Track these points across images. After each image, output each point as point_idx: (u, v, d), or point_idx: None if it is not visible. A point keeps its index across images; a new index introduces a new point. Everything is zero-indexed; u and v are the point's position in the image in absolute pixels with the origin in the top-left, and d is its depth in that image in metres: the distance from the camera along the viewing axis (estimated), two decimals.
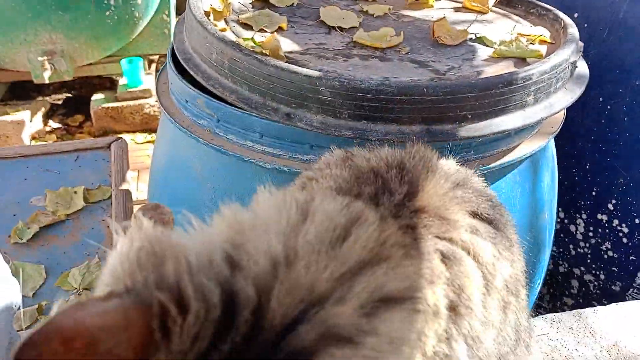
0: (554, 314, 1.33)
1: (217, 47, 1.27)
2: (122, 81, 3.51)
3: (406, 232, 0.71)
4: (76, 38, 3.24)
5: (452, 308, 0.79)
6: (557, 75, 1.28)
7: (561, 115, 1.40)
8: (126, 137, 3.43)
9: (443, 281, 0.75)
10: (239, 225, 0.57)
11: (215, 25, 1.36)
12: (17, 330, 1.09)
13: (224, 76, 1.28)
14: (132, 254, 0.48)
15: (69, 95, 3.76)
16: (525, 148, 1.31)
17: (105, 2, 3.14)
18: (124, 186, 1.86)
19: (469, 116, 1.21)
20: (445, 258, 0.76)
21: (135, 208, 2.00)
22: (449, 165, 0.92)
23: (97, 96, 3.51)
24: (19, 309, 1.00)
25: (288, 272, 0.50)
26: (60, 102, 3.74)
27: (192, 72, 1.34)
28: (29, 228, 1.76)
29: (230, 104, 1.26)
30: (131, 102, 3.45)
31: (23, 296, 1.59)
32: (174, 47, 1.44)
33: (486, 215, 0.89)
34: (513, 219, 0.97)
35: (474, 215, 0.88)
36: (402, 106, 1.17)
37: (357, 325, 0.50)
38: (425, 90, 1.17)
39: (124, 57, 3.44)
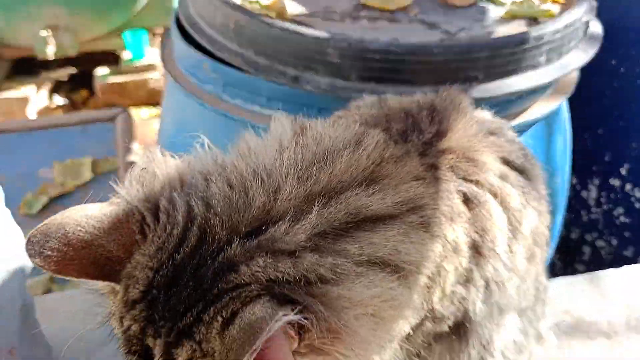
0: (567, 277, 1.32)
1: (222, 10, 1.25)
2: (126, 55, 3.48)
3: (429, 170, 0.71)
4: (79, 12, 3.19)
5: (475, 248, 0.78)
6: (570, 34, 1.25)
7: (574, 77, 1.37)
8: (131, 111, 3.42)
9: (464, 220, 0.74)
10: (246, 150, 0.62)
11: None
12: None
13: (230, 40, 1.26)
14: (135, 173, 0.59)
15: (74, 71, 3.73)
16: (538, 110, 1.28)
17: None
18: (131, 157, 1.85)
19: (480, 77, 1.18)
20: (468, 200, 0.76)
21: None
22: (483, 113, 0.91)
23: (101, 71, 3.48)
24: (30, 272, 1.00)
25: (245, 195, 0.54)
26: (65, 79, 3.72)
27: (197, 37, 1.32)
28: (38, 200, 1.77)
29: (237, 68, 1.24)
30: (136, 77, 3.42)
31: (35, 265, 1.61)
32: (179, 12, 1.41)
33: (518, 164, 0.89)
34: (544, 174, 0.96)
35: (505, 162, 0.87)
36: (411, 67, 1.15)
37: (306, 243, 0.53)
38: (435, 50, 1.15)
39: (127, 30, 3.41)
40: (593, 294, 1.31)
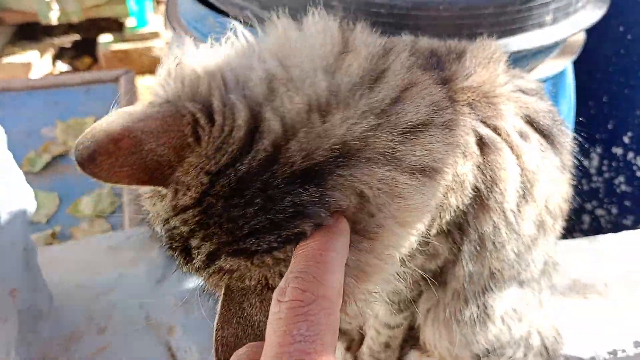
0: (564, 241, 1.33)
1: None
2: (130, 23, 3.46)
3: (447, 98, 0.67)
4: None
5: (479, 197, 0.76)
6: None
7: (581, 39, 1.36)
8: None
9: (475, 162, 0.72)
10: (286, 43, 0.57)
11: None
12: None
13: None
14: (170, 68, 0.54)
15: (77, 37, 3.71)
16: (544, 71, 1.27)
17: None
18: None
19: (485, 34, 1.17)
20: (482, 143, 0.73)
21: None
22: (520, 73, 0.88)
23: (104, 38, 3.46)
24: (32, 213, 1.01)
25: (321, 119, 0.51)
26: (68, 45, 3.70)
27: None
28: (41, 157, 1.77)
29: (242, 22, 1.23)
30: (139, 44, 3.41)
31: (37, 222, 1.62)
32: None
33: (543, 126, 0.85)
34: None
35: (529, 121, 0.84)
36: (416, 22, 1.14)
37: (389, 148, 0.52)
38: (440, 6, 1.14)
39: None
40: (590, 257, 1.31)
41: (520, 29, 1.19)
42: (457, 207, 0.74)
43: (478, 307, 0.91)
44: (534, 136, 0.86)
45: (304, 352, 0.38)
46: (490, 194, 0.78)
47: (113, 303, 1.16)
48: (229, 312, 0.50)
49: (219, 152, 0.48)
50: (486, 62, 0.79)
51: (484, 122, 0.74)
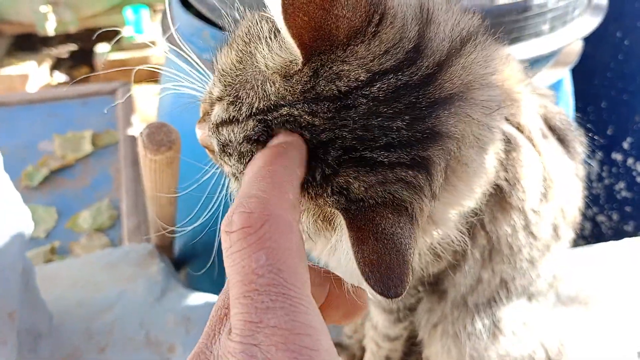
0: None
1: None
2: (127, 32, 3.46)
3: None
4: None
5: (499, 195, 0.75)
6: (574, 3, 1.23)
7: (578, 47, 1.35)
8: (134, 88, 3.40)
9: (497, 158, 0.71)
10: None
11: None
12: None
13: (230, 7, 1.24)
14: None
15: (74, 47, 3.71)
16: (542, 79, 1.27)
17: None
18: (131, 131, 1.85)
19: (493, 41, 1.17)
20: (505, 139, 0.71)
21: None
22: (535, 79, 0.88)
23: (101, 48, 3.46)
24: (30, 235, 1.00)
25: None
26: (65, 55, 3.70)
27: (196, 4, 1.30)
28: (39, 172, 1.77)
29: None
30: (137, 53, 3.40)
31: (36, 237, 1.61)
32: None
33: (559, 130, 0.85)
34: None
35: (547, 122, 0.84)
36: None
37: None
38: None
39: (128, 7, 3.38)
40: (592, 266, 1.31)
41: (518, 39, 1.19)
42: (478, 201, 0.72)
43: (488, 320, 0.90)
44: (552, 138, 0.86)
45: (272, 285, 0.33)
46: (512, 191, 0.77)
47: (112, 321, 1.15)
48: (360, 232, 0.44)
49: (386, 55, 0.44)
50: (504, 60, 0.79)
51: (507, 119, 0.73)
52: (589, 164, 1.72)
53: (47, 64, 3.53)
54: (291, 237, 0.36)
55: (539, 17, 1.18)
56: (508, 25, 1.17)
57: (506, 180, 0.76)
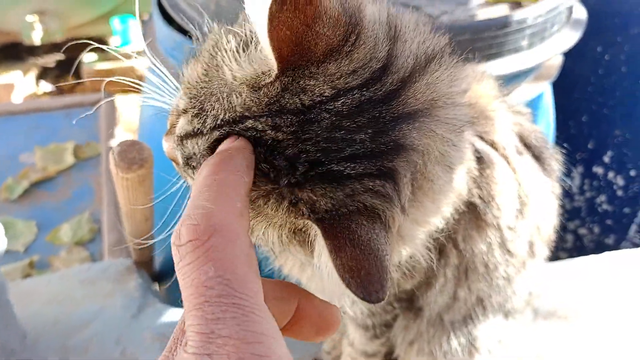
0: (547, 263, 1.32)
1: None
2: (115, 41, 3.44)
3: None
4: None
5: (475, 213, 0.75)
6: (553, 19, 1.24)
7: (558, 62, 1.36)
8: (119, 98, 3.39)
9: (471, 176, 0.71)
10: None
11: None
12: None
13: (211, 20, 1.24)
14: None
15: (61, 57, 3.69)
16: (521, 95, 1.28)
17: None
18: (114, 142, 1.83)
19: (461, 60, 1.17)
20: (479, 157, 0.72)
21: None
22: (510, 97, 0.88)
23: (88, 57, 3.44)
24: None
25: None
26: (51, 65, 3.68)
27: (177, 18, 1.30)
28: (19, 184, 1.75)
29: None
30: (123, 63, 3.39)
31: (15, 251, 1.59)
32: None
33: (534, 148, 0.86)
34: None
35: (522, 139, 0.84)
36: None
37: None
38: None
39: (115, 16, 3.37)
40: (573, 280, 1.31)
41: (497, 54, 1.20)
42: (448, 220, 0.73)
43: (464, 338, 0.89)
44: (527, 155, 0.86)
45: (222, 296, 0.34)
46: (487, 209, 0.77)
47: (89, 338, 1.13)
48: (336, 240, 0.44)
49: (354, 74, 0.45)
50: (479, 78, 0.79)
51: (480, 137, 0.74)
52: (570, 177, 1.73)
53: (33, 74, 3.50)
54: (239, 247, 0.36)
55: (518, 33, 1.19)
56: (488, 41, 1.17)
57: (480, 198, 0.76)
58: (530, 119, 0.89)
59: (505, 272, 0.85)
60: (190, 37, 1.31)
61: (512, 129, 0.82)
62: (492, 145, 0.76)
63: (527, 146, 0.86)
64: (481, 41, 1.17)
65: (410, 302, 0.87)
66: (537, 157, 0.88)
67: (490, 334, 0.91)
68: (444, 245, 0.80)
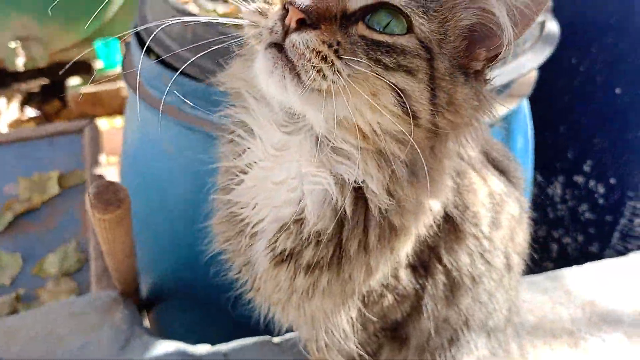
0: (529, 276, 1.34)
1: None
2: (99, 64, 3.45)
3: None
4: (49, 22, 3.16)
5: (453, 225, 0.77)
6: (524, 35, 1.26)
7: (533, 76, 1.38)
8: (105, 121, 3.38)
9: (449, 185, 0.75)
10: None
11: None
12: None
13: (188, 50, 1.25)
14: None
15: (45, 81, 3.69)
16: (498, 110, 1.29)
17: None
18: (98, 170, 1.83)
19: None
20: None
21: None
22: None
23: (73, 81, 3.44)
24: None
25: None
26: (36, 90, 3.67)
27: (155, 48, 1.31)
28: (3, 217, 1.74)
29: (196, 79, 1.23)
30: (109, 86, 3.38)
31: (1, 285, 1.58)
32: (137, 24, 1.40)
33: (499, 162, 0.88)
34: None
35: (485, 154, 0.86)
36: None
37: None
38: None
39: (99, 39, 3.37)
40: (556, 293, 1.32)
41: None
42: (426, 235, 0.74)
43: None
44: (493, 170, 0.87)
45: None
46: (463, 218, 0.78)
47: None
48: None
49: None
50: None
51: None
52: (552, 186, 1.75)
53: (17, 100, 3.49)
54: None
55: None
56: None
57: (456, 207, 0.77)
58: (489, 132, 0.91)
59: (488, 283, 0.86)
60: (167, 66, 1.31)
61: (475, 143, 0.83)
62: (460, 157, 0.78)
63: (491, 160, 0.88)
64: None
65: (394, 331, 0.88)
66: (502, 170, 0.89)
67: (475, 357, 0.91)
68: (427, 262, 0.81)
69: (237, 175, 0.80)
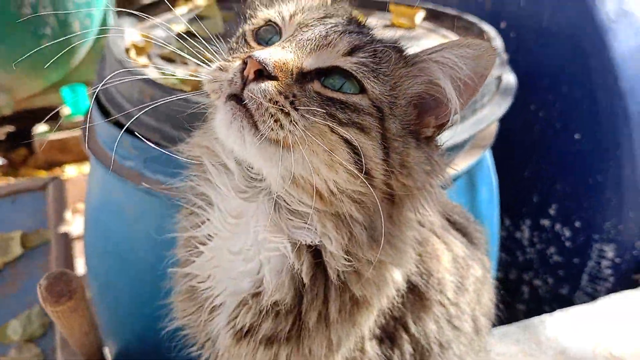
0: (501, 327, 1.33)
1: (137, 86, 1.24)
2: (66, 111, 3.41)
3: None
4: (15, 71, 3.13)
5: (418, 293, 0.78)
6: (482, 90, 1.28)
7: (494, 128, 1.40)
8: (73, 167, 3.34)
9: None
10: None
11: (137, 62, 1.32)
12: None
13: (147, 115, 1.24)
14: None
15: (11, 129, 3.63)
16: (458, 165, 1.30)
17: (41, 31, 3.04)
18: (63, 228, 1.79)
19: None
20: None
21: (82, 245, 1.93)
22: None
23: (40, 128, 3.39)
24: None
25: None
26: (2, 138, 3.61)
27: (114, 113, 1.29)
28: None
29: (156, 144, 1.22)
30: (76, 132, 3.35)
31: None
32: (97, 88, 1.39)
33: (460, 224, 0.89)
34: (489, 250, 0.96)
35: (446, 218, 0.88)
36: None
37: None
38: None
39: (66, 85, 3.35)
40: (527, 344, 1.32)
41: None
42: (390, 306, 0.75)
43: None
44: (453, 232, 0.88)
45: None
46: (428, 285, 0.79)
47: None
48: None
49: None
50: None
51: None
52: (519, 230, 1.76)
53: None
54: None
55: None
56: None
57: (419, 275, 0.77)
58: (448, 199, 0.92)
59: (457, 348, 0.85)
60: (128, 131, 1.30)
61: (435, 209, 0.84)
62: (421, 224, 0.78)
63: (452, 223, 0.88)
64: None
65: None
66: (463, 233, 0.90)
67: None
68: (393, 332, 0.80)
69: (196, 247, 0.80)
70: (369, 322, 0.76)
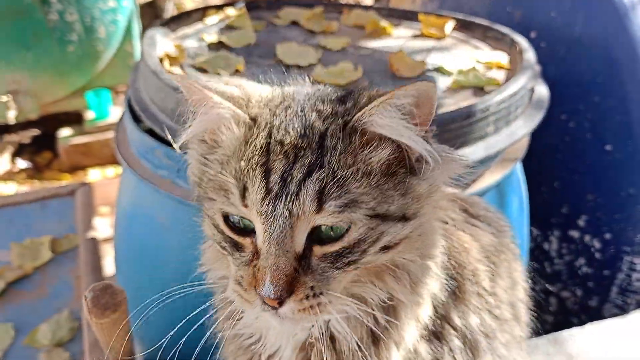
0: (530, 339, 1.32)
1: (172, 96, 1.25)
2: (90, 115, 3.45)
3: None
4: (40, 76, 3.17)
5: (457, 286, 0.79)
6: (516, 103, 1.28)
7: (525, 141, 1.40)
8: (96, 171, 3.37)
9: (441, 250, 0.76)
10: None
11: (170, 72, 1.34)
12: None
13: (182, 125, 1.25)
14: None
15: (37, 133, 3.68)
16: (490, 178, 1.30)
17: (67, 37, 3.09)
18: (91, 234, 1.82)
19: None
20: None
21: (107, 247, 1.96)
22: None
23: (64, 132, 3.44)
24: None
25: None
26: (27, 141, 3.67)
27: (149, 123, 1.31)
28: None
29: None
30: (100, 136, 3.39)
31: None
32: (131, 97, 1.41)
33: (482, 216, 0.90)
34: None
35: (467, 212, 0.89)
36: None
37: None
38: None
39: (89, 90, 3.39)
40: (557, 356, 1.31)
41: (463, 143, 1.22)
42: (439, 298, 0.76)
43: None
44: (477, 221, 0.88)
45: None
46: (464, 278, 0.79)
47: None
48: None
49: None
50: None
51: None
52: (546, 240, 1.75)
53: (8, 151, 3.48)
54: None
55: (483, 120, 1.22)
56: (454, 132, 1.20)
57: (452, 269, 0.78)
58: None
59: (502, 337, 0.86)
60: (161, 140, 1.31)
61: (454, 203, 0.86)
62: (444, 222, 0.80)
63: (474, 216, 0.89)
64: (447, 132, 1.19)
65: None
66: (487, 223, 0.91)
67: None
68: (440, 331, 0.80)
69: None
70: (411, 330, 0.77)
